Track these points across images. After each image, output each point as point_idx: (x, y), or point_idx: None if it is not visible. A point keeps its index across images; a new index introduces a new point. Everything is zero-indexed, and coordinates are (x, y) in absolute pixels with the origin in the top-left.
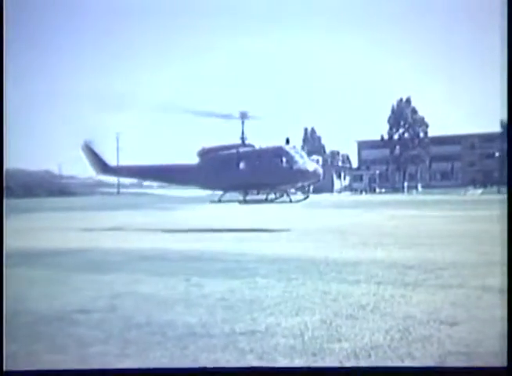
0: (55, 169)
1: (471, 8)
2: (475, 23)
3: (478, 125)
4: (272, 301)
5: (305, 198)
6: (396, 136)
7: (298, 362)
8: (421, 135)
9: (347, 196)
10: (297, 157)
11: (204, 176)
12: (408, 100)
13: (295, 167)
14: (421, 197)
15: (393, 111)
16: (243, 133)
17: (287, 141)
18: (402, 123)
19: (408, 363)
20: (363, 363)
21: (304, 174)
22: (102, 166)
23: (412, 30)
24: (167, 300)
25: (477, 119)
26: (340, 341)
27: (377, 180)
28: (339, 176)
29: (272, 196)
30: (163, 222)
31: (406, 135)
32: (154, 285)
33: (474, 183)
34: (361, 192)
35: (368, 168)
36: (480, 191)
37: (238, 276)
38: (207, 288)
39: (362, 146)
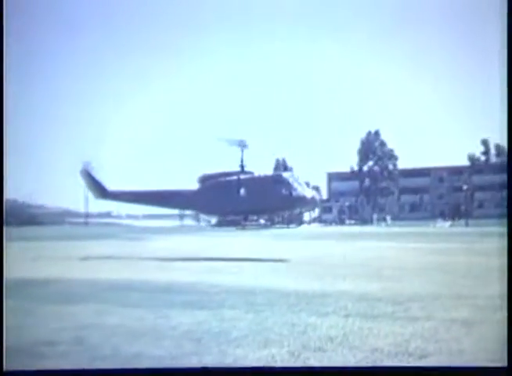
0: (25, 198)
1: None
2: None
3: (447, 158)
4: (239, 333)
5: (300, 224)
6: (366, 168)
7: None
8: (390, 167)
9: (316, 227)
10: (295, 184)
11: (205, 202)
12: (376, 133)
13: (294, 194)
14: (390, 229)
15: (362, 143)
16: (242, 161)
17: (285, 168)
18: (371, 155)
19: None
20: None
21: (302, 200)
22: (100, 191)
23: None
24: (134, 332)
25: (446, 152)
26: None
27: (347, 212)
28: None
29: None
30: (131, 253)
31: (376, 167)
32: (121, 316)
33: (443, 216)
34: (330, 223)
35: (337, 200)
36: (448, 223)
37: (206, 307)
38: (174, 320)
39: (332, 177)
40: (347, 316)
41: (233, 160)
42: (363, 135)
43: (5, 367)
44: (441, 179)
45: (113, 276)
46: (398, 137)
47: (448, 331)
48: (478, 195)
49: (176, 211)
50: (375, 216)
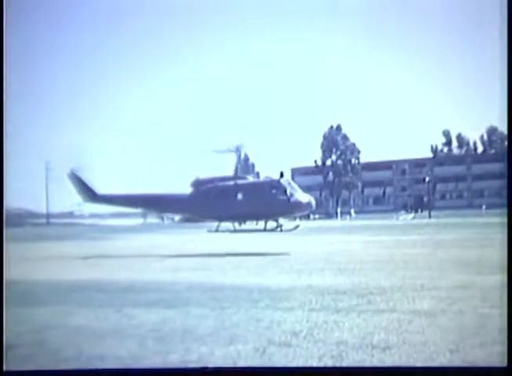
0: None
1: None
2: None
3: (409, 151)
4: (205, 330)
5: (296, 227)
6: (329, 162)
7: None
8: (353, 161)
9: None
10: (292, 190)
11: (200, 206)
12: (338, 127)
13: (292, 199)
14: (354, 223)
15: (325, 138)
16: (236, 166)
17: (281, 175)
18: (334, 150)
19: None
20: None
21: (299, 205)
22: (90, 194)
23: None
24: (97, 332)
25: (408, 144)
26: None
27: None
28: None
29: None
30: (94, 252)
31: (339, 161)
32: (84, 317)
33: (406, 208)
34: (294, 218)
35: None
36: (411, 216)
37: (170, 305)
38: (138, 319)
39: (296, 172)
40: (311, 310)
41: (218, 163)
42: (325, 129)
43: (5, 367)
44: (403, 172)
45: (75, 277)
46: (360, 131)
47: (412, 323)
48: (440, 186)
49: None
50: (339, 210)
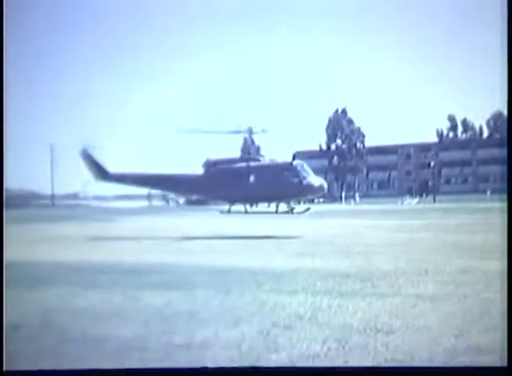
0: None
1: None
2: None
3: (414, 135)
4: (209, 312)
5: (306, 210)
6: (334, 146)
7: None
8: (358, 145)
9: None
10: (305, 173)
11: (212, 187)
12: (344, 111)
13: (304, 182)
14: (359, 207)
15: (330, 121)
16: (249, 147)
17: (294, 157)
18: (339, 133)
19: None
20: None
21: (311, 188)
22: (101, 173)
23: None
24: (102, 313)
25: (414, 129)
26: (277, 351)
27: None
28: None
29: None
30: (99, 234)
31: (344, 145)
32: (90, 298)
33: (411, 192)
34: (299, 202)
35: None
36: (416, 200)
37: (175, 288)
38: (143, 301)
39: (300, 156)
40: (315, 293)
41: (228, 145)
42: (331, 113)
43: (5, 367)
44: (408, 156)
45: (79, 258)
46: (365, 115)
47: (415, 307)
48: (445, 171)
49: (145, 192)
50: (343, 194)
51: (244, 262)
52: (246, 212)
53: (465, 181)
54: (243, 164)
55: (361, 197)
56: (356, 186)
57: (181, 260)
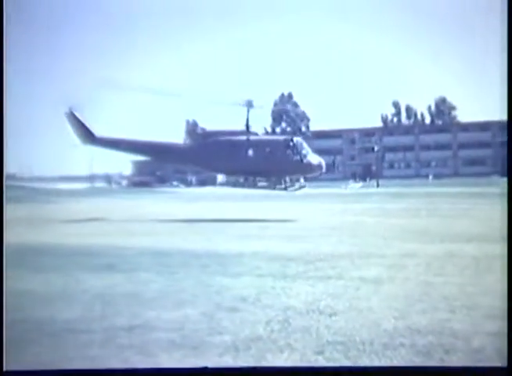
0: None
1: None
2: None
3: (359, 120)
4: (152, 295)
5: (301, 188)
6: (278, 130)
7: (178, 355)
8: (303, 129)
9: (229, 189)
10: (305, 151)
11: (208, 158)
12: (290, 95)
13: (305, 160)
14: (303, 191)
15: (275, 105)
16: (247, 121)
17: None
18: (284, 117)
19: (287, 354)
20: (243, 356)
21: (311, 166)
22: (88, 136)
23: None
24: (45, 296)
25: (358, 114)
26: (221, 333)
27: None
28: None
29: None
30: (40, 216)
31: (288, 129)
32: (32, 281)
33: (354, 177)
34: (243, 186)
35: None
36: (360, 184)
37: (119, 270)
38: (86, 283)
39: None
40: (260, 276)
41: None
42: (276, 97)
43: (5, 367)
44: (352, 141)
45: (20, 241)
46: (310, 99)
47: (358, 290)
48: (389, 156)
49: (87, 173)
50: (288, 178)
51: (188, 245)
52: (243, 186)
53: (408, 166)
54: (242, 137)
55: (305, 180)
56: None
57: (124, 242)
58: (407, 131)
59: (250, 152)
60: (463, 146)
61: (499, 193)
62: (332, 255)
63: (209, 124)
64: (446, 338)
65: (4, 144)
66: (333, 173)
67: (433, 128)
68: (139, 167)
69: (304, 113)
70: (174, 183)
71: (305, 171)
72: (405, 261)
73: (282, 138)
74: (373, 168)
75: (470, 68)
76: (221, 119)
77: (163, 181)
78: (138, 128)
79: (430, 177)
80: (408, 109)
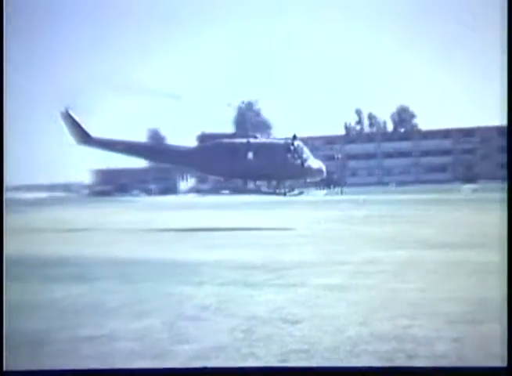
0: None
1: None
2: None
3: (321, 128)
4: (115, 304)
5: (300, 193)
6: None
7: (140, 365)
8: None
9: (193, 197)
10: (305, 155)
11: (206, 161)
12: (250, 103)
13: (306, 164)
14: (266, 198)
15: (238, 113)
16: (246, 123)
17: (294, 137)
18: (246, 125)
19: (251, 362)
20: (206, 365)
21: (312, 171)
22: (83, 136)
23: None
24: (9, 307)
25: (321, 122)
26: (183, 343)
27: (222, 181)
28: (183, 178)
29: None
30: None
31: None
32: None
33: (318, 184)
34: (207, 193)
35: None
36: (324, 192)
37: (80, 280)
38: (48, 294)
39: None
40: (222, 284)
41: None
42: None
43: (5, 367)
44: (315, 148)
45: None
46: (273, 107)
47: (322, 297)
48: (352, 163)
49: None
50: (251, 185)
51: (150, 254)
52: (244, 191)
53: (371, 173)
54: (242, 140)
55: (269, 187)
56: None
57: (84, 252)
58: (370, 139)
59: (250, 155)
60: (425, 153)
61: (460, 199)
62: (295, 263)
63: (208, 126)
64: (408, 343)
65: (4, 152)
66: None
67: (395, 136)
68: (100, 176)
69: (266, 121)
70: (135, 192)
71: (306, 175)
72: (368, 268)
73: (282, 141)
74: (336, 175)
75: (470, 70)
76: (220, 120)
77: (124, 190)
78: (135, 129)
79: (393, 184)
80: (370, 116)
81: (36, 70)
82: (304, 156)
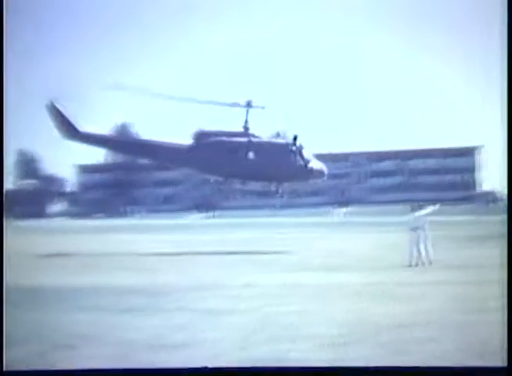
0: None
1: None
2: None
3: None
4: None
5: (298, 196)
6: (119, 160)
7: None
8: (144, 160)
9: (64, 220)
10: (307, 156)
11: (204, 160)
12: (124, 125)
13: (308, 166)
14: (144, 221)
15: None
16: (246, 122)
17: (295, 138)
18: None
19: None
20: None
21: (313, 172)
22: (70, 130)
23: None
24: None
25: (320, 122)
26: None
27: (96, 204)
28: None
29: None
30: None
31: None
32: None
33: (197, 208)
34: (77, 217)
35: (87, 192)
36: (203, 215)
37: None
38: None
39: (82, 169)
40: (98, 310)
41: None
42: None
43: (5, 367)
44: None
45: None
46: (146, 130)
47: (202, 322)
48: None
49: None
50: (128, 208)
51: (24, 281)
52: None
53: (244, 195)
54: (243, 139)
55: (147, 211)
56: (141, 200)
57: None
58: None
59: (251, 155)
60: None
61: (336, 223)
62: (175, 287)
63: (206, 124)
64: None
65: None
66: (175, 203)
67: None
68: None
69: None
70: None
71: (308, 176)
72: (248, 291)
73: (283, 141)
74: (210, 199)
75: (471, 72)
76: (220, 120)
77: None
78: (133, 127)
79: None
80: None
81: (32, 66)
82: (306, 157)
